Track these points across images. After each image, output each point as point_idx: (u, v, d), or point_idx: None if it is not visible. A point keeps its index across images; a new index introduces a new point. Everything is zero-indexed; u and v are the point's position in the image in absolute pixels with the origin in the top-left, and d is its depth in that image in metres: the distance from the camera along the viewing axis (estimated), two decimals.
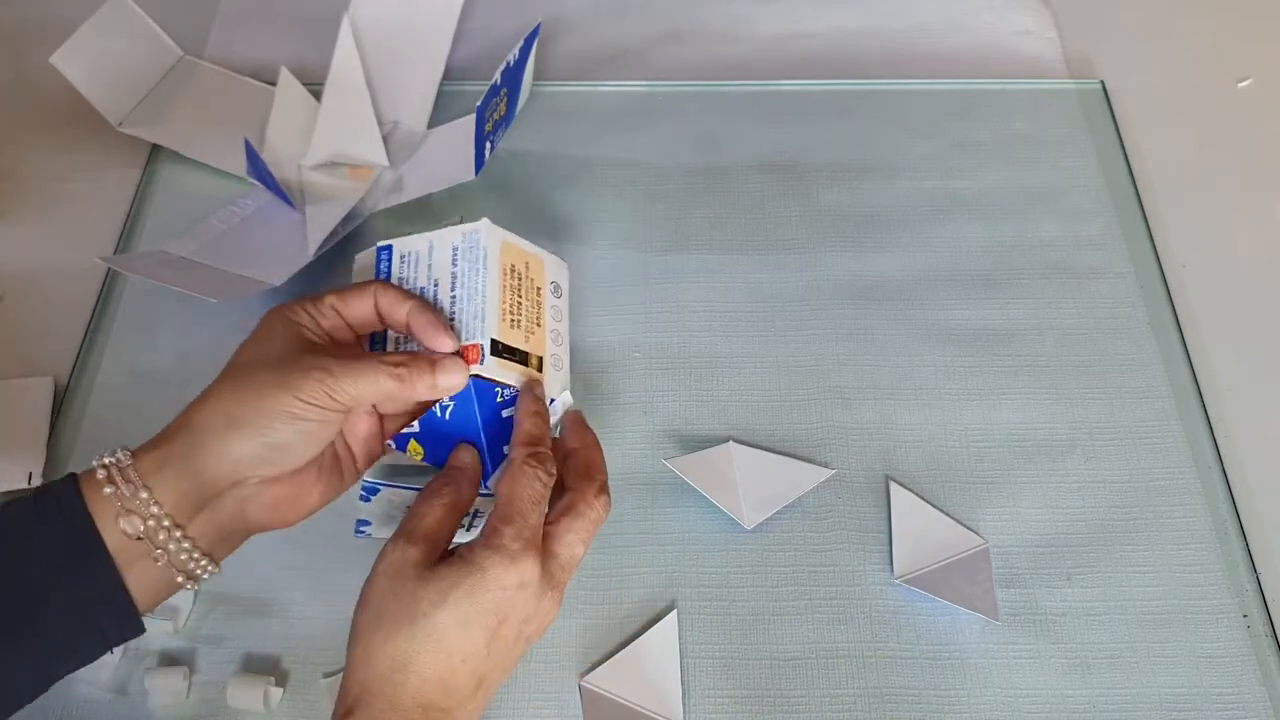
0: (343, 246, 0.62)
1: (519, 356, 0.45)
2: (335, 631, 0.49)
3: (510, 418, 0.45)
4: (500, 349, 0.44)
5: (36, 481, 0.53)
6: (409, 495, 0.45)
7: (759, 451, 0.54)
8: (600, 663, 0.49)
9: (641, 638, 0.49)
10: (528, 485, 0.41)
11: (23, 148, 0.67)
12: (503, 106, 0.63)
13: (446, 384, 0.42)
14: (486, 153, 0.64)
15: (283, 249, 0.60)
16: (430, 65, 0.68)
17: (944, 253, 0.62)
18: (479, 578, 0.39)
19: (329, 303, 0.44)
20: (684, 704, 0.48)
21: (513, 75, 0.62)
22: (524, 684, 0.48)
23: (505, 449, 0.45)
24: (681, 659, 0.49)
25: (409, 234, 0.47)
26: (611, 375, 0.57)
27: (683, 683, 0.48)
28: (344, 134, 0.64)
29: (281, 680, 0.48)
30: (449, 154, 0.65)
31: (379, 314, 0.44)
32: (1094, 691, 0.48)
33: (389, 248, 0.47)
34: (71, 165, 0.66)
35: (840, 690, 0.48)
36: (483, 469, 0.44)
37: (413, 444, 0.46)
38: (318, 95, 0.65)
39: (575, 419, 0.47)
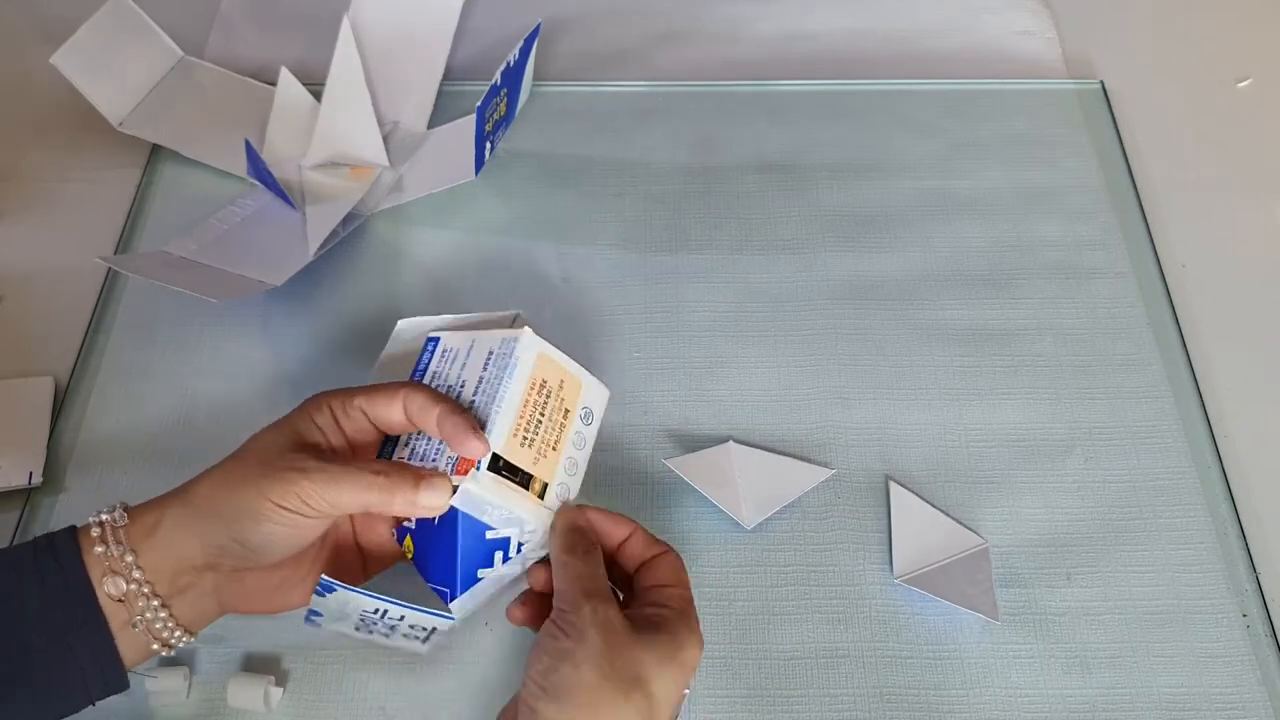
0: (343, 246, 0.62)
1: (520, 478, 0.41)
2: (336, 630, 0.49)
3: (494, 540, 0.42)
4: (501, 466, 0.41)
5: (37, 481, 0.53)
6: (364, 601, 0.41)
7: (759, 451, 0.54)
8: None
9: None
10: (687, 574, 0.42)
11: (23, 148, 0.67)
12: (503, 107, 0.63)
13: (428, 503, 0.40)
14: (487, 153, 0.64)
15: (283, 249, 0.60)
16: (430, 65, 0.68)
17: (944, 253, 0.62)
18: (680, 652, 0.38)
19: (357, 404, 0.42)
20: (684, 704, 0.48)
21: (513, 75, 0.62)
22: None
23: (479, 573, 0.42)
24: None
25: (459, 326, 0.46)
26: (611, 375, 0.57)
27: None
28: (344, 134, 0.64)
29: (282, 680, 0.48)
30: (449, 154, 0.65)
31: (409, 418, 0.42)
32: (1094, 691, 0.48)
33: (436, 340, 0.46)
34: (72, 165, 0.66)
35: (840, 690, 0.48)
36: (451, 588, 0.42)
37: (408, 540, 0.44)
38: (318, 95, 0.65)
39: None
